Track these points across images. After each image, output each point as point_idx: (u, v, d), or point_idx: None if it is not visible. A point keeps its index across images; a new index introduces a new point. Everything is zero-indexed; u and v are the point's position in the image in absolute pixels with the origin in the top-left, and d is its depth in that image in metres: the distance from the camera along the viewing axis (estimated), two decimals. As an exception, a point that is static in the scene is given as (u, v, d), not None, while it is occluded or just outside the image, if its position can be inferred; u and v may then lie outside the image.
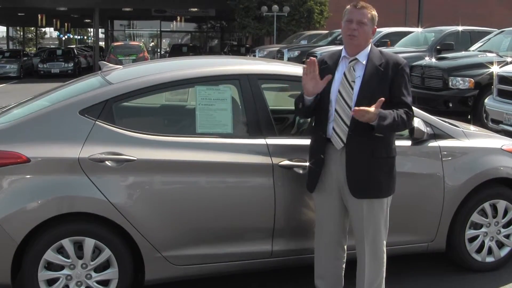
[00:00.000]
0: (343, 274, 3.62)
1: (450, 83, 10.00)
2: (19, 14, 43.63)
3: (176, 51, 35.30)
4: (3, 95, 18.55)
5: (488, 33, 12.44)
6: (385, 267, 3.49)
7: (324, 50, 14.41)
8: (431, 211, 4.03)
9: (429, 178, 4.01)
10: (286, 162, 3.67)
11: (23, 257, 3.42)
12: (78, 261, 3.46)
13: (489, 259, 4.31)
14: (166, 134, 3.66)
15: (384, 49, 3.68)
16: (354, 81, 3.33)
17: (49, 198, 3.39)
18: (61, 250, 3.44)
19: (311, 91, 3.33)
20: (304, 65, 3.36)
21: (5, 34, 61.36)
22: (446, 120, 4.53)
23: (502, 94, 8.27)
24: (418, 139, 3.93)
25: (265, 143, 3.70)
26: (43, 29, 71.49)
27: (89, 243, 3.44)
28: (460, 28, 13.48)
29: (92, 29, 57.20)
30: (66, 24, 54.15)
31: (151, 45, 57.72)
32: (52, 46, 48.76)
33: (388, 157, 3.37)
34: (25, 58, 30.93)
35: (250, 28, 30.90)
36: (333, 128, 3.35)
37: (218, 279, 3.98)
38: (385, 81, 3.31)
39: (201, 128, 3.70)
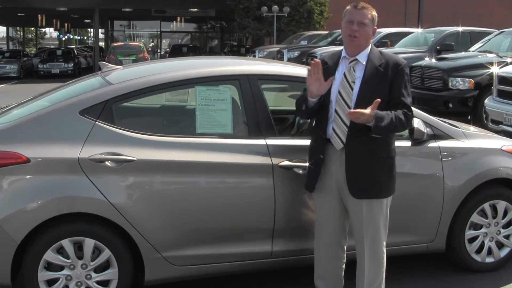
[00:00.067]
0: (343, 274, 3.62)
1: (450, 84, 10.00)
2: (19, 14, 43.63)
3: (176, 51, 35.32)
4: (3, 95, 18.56)
5: (488, 33, 12.45)
6: (384, 268, 3.49)
7: (324, 50, 14.41)
8: (431, 211, 4.03)
9: (429, 179, 4.01)
10: (286, 163, 3.67)
11: (23, 257, 3.42)
12: (78, 262, 3.46)
13: (489, 259, 4.32)
14: (166, 135, 3.66)
15: (384, 50, 3.67)
16: (354, 82, 3.33)
17: (49, 199, 3.40)
18: (61, 251, 3.44)
19: (315, 93, 3.32)
20: (308, 67, 3.35)
21: (5, 35, 61.36)
22: (446, 120, 4.53)
23: (502, 94, 8.27)
24: (418, 139, 3.93)
25: (265, 143, 3.70)
26: (43, 30, 71.52)
27: (89, 244, 3.45)
28: (460, 28, 13.49)
29: (92, 30, 57.22)
30: (66, 24, 54.17)
31: (151, 45, 57.74)
32: (52, 47, 48.73)
33: (387, 157, 3.38)
34: (25, 59, 30.93)
35: (250, 28, 30.91)
36: (333, 129, 3.35)
37: (217, 280, 3.98)
38: (385, 81, 3.31)
39: (201, 128, 3.70)
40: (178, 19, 50.04)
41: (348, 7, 3.42)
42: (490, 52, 10.74)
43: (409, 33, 15.62)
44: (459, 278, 4.26)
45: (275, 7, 28.34)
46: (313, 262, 3.63)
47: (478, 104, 9.63)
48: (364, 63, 3.35)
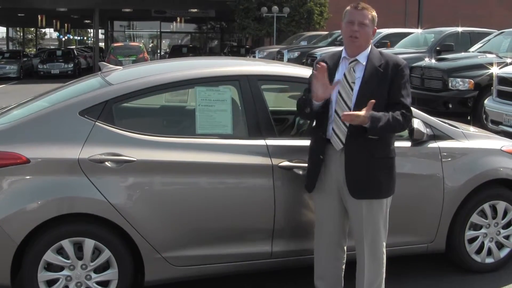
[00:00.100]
0: (342, 274, 3.62)
1: (450, 84, 10.00)
2: (19, 14, 43.60)
3: (176, 52, 35.32)
4: (3, 95, 18.56)
5: (488, 34, 12.45)
6: (384, 268, 3.49)
7: (324, 51, 14.41)
8: (431, 212, 4.03)
9: (428, 179, 4.01)
10: (285, 163, 3.67)
11: (23, 258, 3.42)
12: (78, 262, 3.46)
13: (489, 260, 4.32)
14: (166, 135, 3.66)
15: (384, 50, 3.67)
16: (354, 82, 3.33)
17: (49, 199, 3.40)
18: (61, 251, 3.44)
19: (322, 96, 3.31)
20: (314, 71, 3.34)
21: (5, 35, 61.35)
22: (446, 121, 4.53)
23: (501, 95, 8.28)
24: (417, 140, 3.93)
25: (265, 144, 3.70)
26: (43, 30, 71.50)
27: (89, 244, 3.45)
28: (460, 29, 13.49)
29: (92, 30, 57.22)
30: (66, 24, 54.15)
31: (150, 45, 57.73)
32: (52, 47, 48.75)
33: (387, 157, 3.38)
34: (25, 59, 30.92)
35: (250, 29, 30.91)
36: (333, 129, 3.36)
37: (217, 280, 3.98)
38: (384, 82, 3.31)
39: (201, 129, 3.70)
40: (178, 20, 50.03)
41: (348, 8, 3.42)
42: (490, 52, 10.75)
43: (409, 33, 15.63)
44: (459, 278, 4.26)
45: (275, 8, 28.35)
46: (313, 262, 3.64)
47: (478, 104, 9.63)
48: (364, 63, 3.35)
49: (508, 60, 9.78)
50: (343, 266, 3.62)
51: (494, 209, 4.27)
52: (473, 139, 4.27)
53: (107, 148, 3.47)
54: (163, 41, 56.93)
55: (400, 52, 12.61)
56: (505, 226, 4.32)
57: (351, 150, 3.32)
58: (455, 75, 10.00)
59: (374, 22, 3.39)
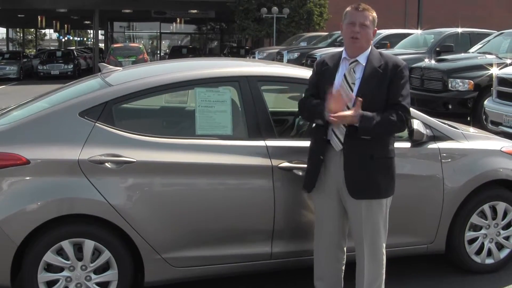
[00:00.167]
0: (342, 275, 3.62)
1: (449, 85, 10.00)
2: (19, 15, 43.61)
3: (175, 52, 35.29)
4: (3, 96, 18.56)
5: (488, 35, 12.46)
6: (384, 269, 3.48)
7: (324, 52, 14.41)
8: (431, 212, 4.03)
9: (428, 180, 4.01)
10: (285, 164, 3.67)
11: (22, 259, 3.42)
12: (77, 263, 3.46)
13: (489, 260, 4.32)
14: (166, 136, 3.66)
15: (383, 51, 3.68)
16: (354, 83, 3.34)
17: (48, 200, 3.40)
18: (60, 252, 3.44)
19: (336, 111, 3.23)
20: (334, 93, 3.24)
21: (4, 36, 61.37)
22: (446, 122, 4.54)
23: (501, 96, 8.28)
24: (417, 141, 3.93)
25: (265, 145, 3.70)
26: (43, 31, 71.46)
27: (89, 245, 3.45)
28: (459, 30, 13.49)
29: (91, 31, 57.24)
30: (66, 25, 54.19)
31: (150, 46, 57.72)
32: (51, 48, 48.76)
33: (386, 157, 3.38)
34: (25, 60, 30.93)
35: (249, 30, 30.91)
36: (332, 130, 3.36)
37: (217, 281, 3.97)
38: (384, 82, 3.31)
39: (201, 130, 3.70)
40: (178, 21, 50.03)
41: (348, 9, 3.42)
42: (489, 53, 10.74)
43: (409, 34, 15.62)
44: (458, 279, 4.26)
45: (275, 9, 28.35)
46: (313, 263, 3.63)
47: (478, 105, 9.63)
48: (364, 64, 3.35)
49: (508, 61, 9.78)
50: (343, 267, 3.62)
51: (494, 210, 4.27)
52: (473, 140, 4.27)
53: (107, 149, 3.47)
54: (163, 42, 56.89)
55: (400, 53, 12.61)
56: (505, 227, 4.32)
57: (350, 151, 3.32)
58: (455, 76, 10.00)
59: (375, 23, 3.40)
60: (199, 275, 3.71)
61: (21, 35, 65.44)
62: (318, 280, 3.61)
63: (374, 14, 3.40)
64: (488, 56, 10.57)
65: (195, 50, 37.25)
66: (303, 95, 3.62)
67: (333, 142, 3.37)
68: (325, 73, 3.43)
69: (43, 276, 3.43)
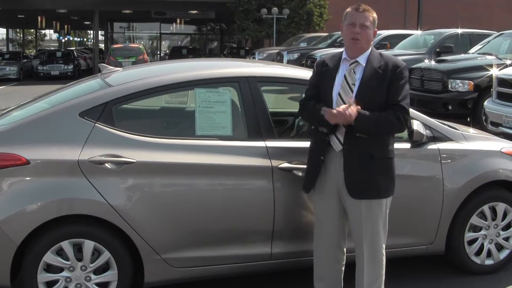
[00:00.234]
0: (342, 276, 3.62)
1: (449, 86, 10.00)
2: (19, 16, 43.62)
3: (175, 53, 35.30)
4: (3, 97, 18.56)
5: (488, 35, 12.46)
6: (384, 270, 3.49)
7: (324, 52, 14.41)
8: (430, 213, 4.03)
9: (428, 181, 4.01)
10: (285, 165, 3.68)
11: (22, 259, 3.42)
12: (77, 263, 3.46)
13: (488, 261, 4.31)
14: (166, 137, 3.67)
15: (384, 52, 3.68)
16: (354, 84, 3.34)
17: (48, 200, 3.40)
18: (60, 252, 3.44)
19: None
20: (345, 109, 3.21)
21: (5, 36, 61.37)
22: (446, 122, 4.54)
23: (501, 96, 8.28)
24: (417, 141, 3.93)
25: (265, 145, 3.70)
26: (43, 31, 71.47)
27: (89, 245, 3.45)
28: (459, 30, 13.49)
29: (91, 31, 57.25)
30: (66, 26, 54.18)
31: (150, 47, 57.71)
32: (51, 48, 48.75)
33: (385, 158, 3.38)
34: (25, 60, 30.91)
35: (249, 30, 30.92)
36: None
37: (217, 281, 3.97)
38: (383, 83, 3.31)
39: (201, 130, 3.71)
40: (178, 21, 50.04)
41: (348, 9, 3.42)
42: (489, 54, 10.75)
43: (409, 35, 15.62)
44: (458, 280, 4.26)
45: (275, 9, 28.36)
46: (313, 264, 3.64)
47: (478, 106, 9.63)
48: (364, 65, 3.35)
49: (508, 62, 9.78)
50: (343, 268, 3.62)
51: (493, 210, 4.27)
52: (473, 141, 4.27)
53: (107, 150, 3.48)
54: (163, 43, 56.91)
55: (399, 53, 12.61)
56: (505, 228, 4.32)
57: (350, 151, 3.32)
58: (454, 77, 10.00)
59: (375, 24, 3.40)
60: (199, 275, 3.71)
61: (21, 35, 65.46)
62: (318, 280, 3.62)
63: (375, 15, 3.40)
64: (488, 57, 10.58)
65: (195, 51, 37.25)
66: (303, 95, 3.62)
67: (333, 142, 3.37)
68: (325, 73, 3.43)
69: (43, 277, 3.43)
